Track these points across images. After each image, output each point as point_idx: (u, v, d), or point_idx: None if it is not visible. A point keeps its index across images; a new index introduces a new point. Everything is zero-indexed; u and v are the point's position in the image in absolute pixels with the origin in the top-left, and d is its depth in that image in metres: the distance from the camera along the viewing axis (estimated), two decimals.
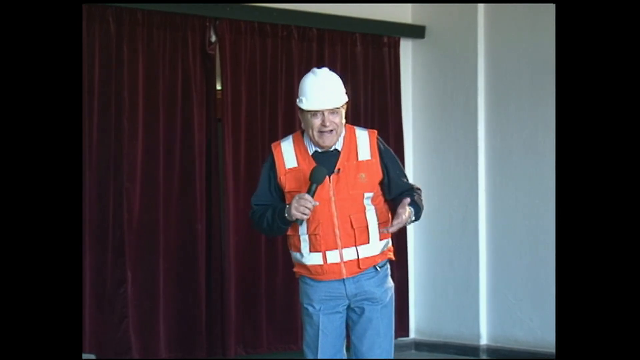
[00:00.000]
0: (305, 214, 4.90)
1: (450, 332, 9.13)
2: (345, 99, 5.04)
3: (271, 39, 8.58)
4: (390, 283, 5.12)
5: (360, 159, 5.04)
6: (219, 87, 8.48)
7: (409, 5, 9.46)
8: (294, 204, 4.89)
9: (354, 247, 5.00)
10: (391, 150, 5.14)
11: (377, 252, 5.04)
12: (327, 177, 4.96)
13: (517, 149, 8.80)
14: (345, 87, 5.07)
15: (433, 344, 9.25)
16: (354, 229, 5.00)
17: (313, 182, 4.90)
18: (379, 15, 9.17)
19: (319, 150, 5.04)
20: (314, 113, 4.96)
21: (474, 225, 8.99)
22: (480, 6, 9.03)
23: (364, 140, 5.08)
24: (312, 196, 4.89)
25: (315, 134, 4.98)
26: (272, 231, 5.17)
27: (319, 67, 5.14)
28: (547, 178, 8.32)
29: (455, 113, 9.18)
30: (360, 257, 5.01)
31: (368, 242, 5.02)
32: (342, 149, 5.04)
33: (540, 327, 8.52)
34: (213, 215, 8.31)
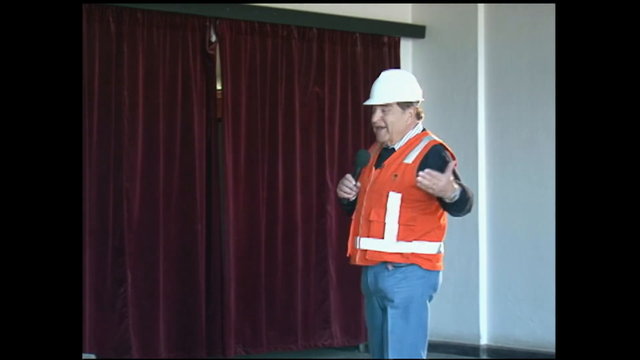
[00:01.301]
0: (345, 193, 5.15)
1: (450, 331, 9.12)
2: (398, 98, 5.13)
3: (271, 39, 8.58)
4: (411, 289, 5.18)
5: (404, 161, 5.14)
6: (219, 87, 8.47)
7: (409, 5, 9.46)
8: (339, 183, 5.21)
9: (367, 238, 5.14)
10: (448, 159, 5.10)
11: (390, 250, 5.11)
12: (374, 169, 5.18)
13: (517, 148, 8.80)
14: (403, 86, 5.16)
15: (433, 343, 9.21)
16: (369, 222, 5.12)
17: (355, 165, 5.16)
18: (379, 15, 9.16)
19: (385, 146, 5.24)
20: (372, 109, 5.21)
21: (474, 224, 8.98)
22: (481, 6, 9.03)
23: (420, 147, 5.17)
24: (356, 178, 5.14)
25: (374, 129, 5.22)
26: (343, 208, 5.41)
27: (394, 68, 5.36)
28: (547, 178, 8.31)
29: (455, 113, 9.18)
30: (368, 248, 5.14)
31: (382, 238, 5.11)
32: (398, 149, 5.19)
33: (540, 327, 8.52)
34: (213, 215, 8.30)
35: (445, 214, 5.21)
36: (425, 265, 5.14)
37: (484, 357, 8.93)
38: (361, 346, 9.14)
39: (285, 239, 8.62)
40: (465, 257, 9.03)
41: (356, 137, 8.97)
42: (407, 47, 9.44)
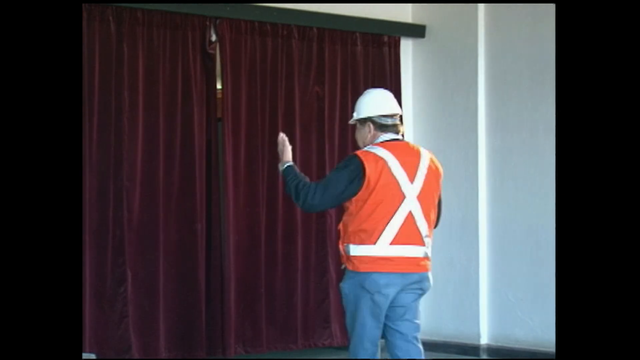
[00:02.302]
0: None
1: (451, 331, 9.13)
2: (355, 117, 5.68)
3: (271, 39, 8.58)
4: (342, 288, 5.54)
5: None
6: (219, 86, 8.47)
7: (409, 4, 9.46)
8: None
9: None
10: (341, 162, 5.62)
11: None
12: None
13: (517, 148, 8.80)
14: (358, 106, 5.70)
15: (433, 343, 9.24)
16: None
17: None
18: (379, 15, 9.16)
19: None
20: None
21: (474, 224, 8.99)
22: (481, 6, 9.03)
23: None
24: None
25: None
26: None
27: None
28: (548, 177, 8.31)
29: (455, 112, 9.18)
30: None
31: None
32: None
33: (540, 327, 8.52)
34: (213, 215, 8.30)
35: (378, 216, 5.42)
36: (350, 267, 5.47)
37: (484, 357, 8.93)
38: None
39: (285, 238, 8.62)
40: (466, 257, 9.04)
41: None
42: (407, 47, 9.45)
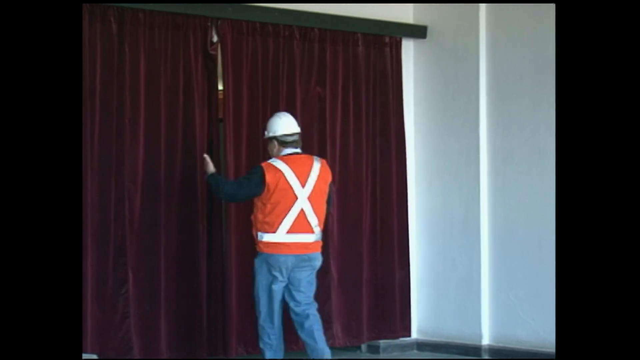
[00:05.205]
0: None
1: (452, 332, 9.12)
2: (265, 134, 7.59)
3: (273, 39, 8.58)
4: (255, 260, 7.48)
5: None
6: (220, 87, 8.47)
7: (411, 5, 9.46)
8: None
9: None
10: (249, 171, 7.55)
11: None
12: None
13: (519, 148, 8.80)
14: (267, 127, 7.58)
15: (435, 343, 9.24)
16: None
17: None
18: (380, 15, 9.16)
19: None
20: None
21: (476, 225, 8.98)
22: (482, 6, 9.03)
23: None
24: None
25: None
26: None
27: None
28: (549, 177, 8.31)
29: (457, 113, 9.17)
30: None
31: None
32: None
33: (542, 327, 8.52)
34: (214, 215, 8.30)
35: (277, 212, 7.29)
36: (258, 249, 7.41)
37: (486, 357, 8.93)
38: (363, 346, 9.15)
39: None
40: (467, 257, 9.04)
41: (357, 137, 8.97)
42: (408, 47, 9.44)
